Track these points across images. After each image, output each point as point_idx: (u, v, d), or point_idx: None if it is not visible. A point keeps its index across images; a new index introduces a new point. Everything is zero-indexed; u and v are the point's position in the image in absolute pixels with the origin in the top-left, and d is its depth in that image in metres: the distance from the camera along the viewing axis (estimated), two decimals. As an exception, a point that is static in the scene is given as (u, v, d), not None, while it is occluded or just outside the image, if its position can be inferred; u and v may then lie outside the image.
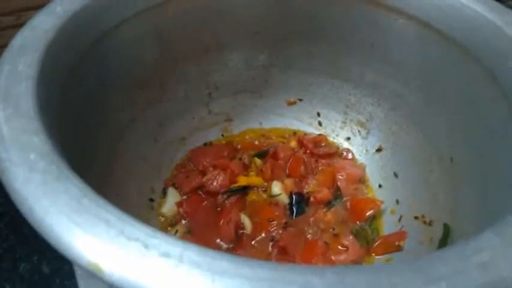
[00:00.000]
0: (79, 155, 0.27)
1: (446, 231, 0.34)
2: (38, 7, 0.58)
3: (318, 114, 0.48)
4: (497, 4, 0.33)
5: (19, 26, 0.60)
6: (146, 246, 0.16)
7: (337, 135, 0.48)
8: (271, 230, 0.39)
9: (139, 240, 0.16)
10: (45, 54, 0.25)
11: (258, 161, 0.44)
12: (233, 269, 0.15)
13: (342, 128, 0.48)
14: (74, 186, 0.18)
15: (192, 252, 0.16)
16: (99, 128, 0.34)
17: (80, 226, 0.16)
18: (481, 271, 0.16)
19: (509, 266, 0.16)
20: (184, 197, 0.41)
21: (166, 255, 0.15)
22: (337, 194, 0.42)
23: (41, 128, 0.21)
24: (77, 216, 0.17)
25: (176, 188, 0.42)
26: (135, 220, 0.17)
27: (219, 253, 0.16)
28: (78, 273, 0.36)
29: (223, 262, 0.15)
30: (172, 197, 0.41)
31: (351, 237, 0.38)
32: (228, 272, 0.15)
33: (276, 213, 0.40)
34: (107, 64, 0.34)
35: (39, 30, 0.27)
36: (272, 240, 0.38)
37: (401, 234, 0.37)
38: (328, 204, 0.41)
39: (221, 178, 0.41)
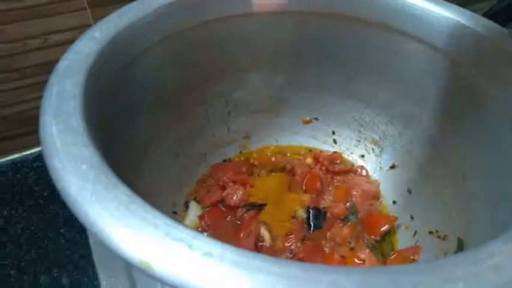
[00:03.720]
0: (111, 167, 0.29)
1: (460, 245, 0.35)
2: (64, 31, 0.61)
3: (333, 133, 0.50)
4: (503, 30, 0.35)
5: (46, 48, 0.64)
6: (190, 247, 0.17)
7: (351, 153, 0.49)
8: (290, 243, 0.40)
9: (183, 241, 0.18)
10: (87, 75, 0.28)
11: (275, 177, 0.46)
12: (268, 267, 0.17)
13: (356, 145, 0.49)
14: (122, 193, 0.20)
15: (231, 253, 0.17)
16: (127, 144, 0.37)
17: (130, 228, 0.18)
18: (494, 273, 0.17)
19: (520, 269, 0.18)
20: (206, 210, 0.43)
21: (208, 254, 0.17)
22: (353, 209, 0.44)
23: (89, 141, 0.23)
24: (127, 220, 0.19)
25: (198, 202, 0.43)
26: (179, 223, 0.19)
27: (254, 253, 0.17)
28: (103, 283, 0.38)
29: (259, 262, 0.17)
30: (194, 210, 0.42)
31: (367, 250, 0.39)
32: (264, 270, 0.17)
33: (294, 228, 0.41)
34: (136, 86, 0.37)
35: (81, 54, 0.29)
36: (291, 253, 0.39)
37: (416, 249, 0.38)
38: (344, 219, 0.43)
39: (240, 193, 0.43)
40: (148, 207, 0.19)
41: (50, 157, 0.21)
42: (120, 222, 0.18)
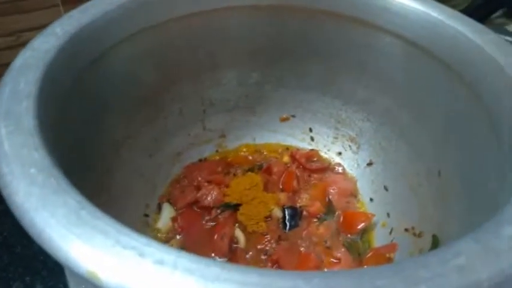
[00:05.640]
0: (75, 171, 0.27)
1: (435, 242, 0.34)
2: (36, 28, 0.59)
3: (310, 130, 0.49)
4: (478, 24, 0.35)
5: (18, 46, 0.62)
6: (141, 255, 0.16)
7: (328, 150, 0.49)
8: (265, 243, 0.39)
9: (134, 249, 0.17)
10: (44, 73, 0.26)
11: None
12: (225, 274, 0.16)
13: (333, 143, 0.49)
14: (72, 199, 0.19)
15: (185, 260, 0.16)
16: (95, 145, 0.35)
17: (78, 237, 0.17)
18: (459, 274, 0.17)
19: (486, 269, 0.17)
20: (179, 212, 0.42)
21: (160, 262, 0.16)
22: (330, 207, 0.43)
23: (41, 144, 0.21)
24: (75, 228, 0.17)
25: (171, 204, 0.42)
26: (131, 230, 0.17)
27: (211, 260, 0.17)
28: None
29: (215, 268, 0.16)
30: (167, 212, 0.41)
31: (343, 249, 0.38)
32: (220, 278, 0.16)
33: (270, 227, 0.41)
34: (104, 83, 0.35)
35: (39, 51, 0.28)
36: (266, 254, 0.39)
37: (392, 247, 0.38)
38: (321, 217, 0.42)
39: (215, 193, 0.42)
40: (99, 214, 0.18)
41: (-3, 161, 0.20)
42: (68, 231, 0.17)
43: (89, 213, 0.18)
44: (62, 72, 0.29)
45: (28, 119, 0.23)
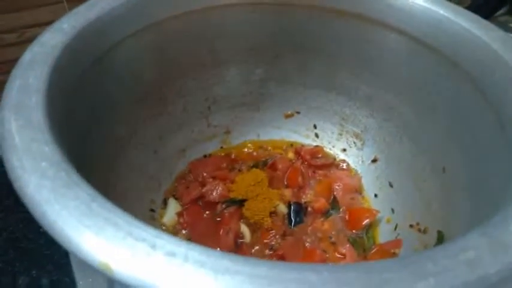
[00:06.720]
0: (82, 166, 0.28)
1: (440, 237, 0.34)
2: (40, 25, 0.59)
3: (315, 127, 0.50)
4: (483, 21, 0.35)
5: (22, 43, 0.62)
6: (153, 247, 0.17)
7: (333, 147, 0.49)
8: (270, 239, 0.39)
9: (146, 241, 0.17)
10: (53, 68, 0.27)
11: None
12: (235, 267, 0.16)
13: (338, 139, 0.49)
14: (83, 191, 0.19)
15: (196, 252, 0.17)
16: (101, 140, 0.35)
17: (90, 228, 0.17)
18: (467, 268, 0.17)
19: (495, 263, 0.17)
20: (185, 207, 0.42)
21: (172, 254, 0.16)
22: (334, 203, 0.43)
23: (51, 138, 0.22)
24: (87, 220, 0.18)
25: (176, 199, 0.42)
26: (142, 222, 0.18)
27: (221, 252, 0.17)
28: (79, 283, 0.36)
29: (225, 261, 0.16)
30: (173, 208, 0.41)
31: (348, 245, 0.38)
32: (230, 270, 0.16)
33: (275, 223, 0.41)
34: (109, 79, 0.36)
35: (47, 46, 0.28)
36: (271, 249, 0.39)
37: (396, 242, 0.38)
38: (326, 213, 0.42)
39: (220, 189, 0.42)
40: (110, 206, 0.18)
41: (8, 155, 0.20)
42: (79, 222, 0.17)
43: (100, 205, 0.18)
44: (69, 68, 0.29)
45: (38, 114, 0.23)
